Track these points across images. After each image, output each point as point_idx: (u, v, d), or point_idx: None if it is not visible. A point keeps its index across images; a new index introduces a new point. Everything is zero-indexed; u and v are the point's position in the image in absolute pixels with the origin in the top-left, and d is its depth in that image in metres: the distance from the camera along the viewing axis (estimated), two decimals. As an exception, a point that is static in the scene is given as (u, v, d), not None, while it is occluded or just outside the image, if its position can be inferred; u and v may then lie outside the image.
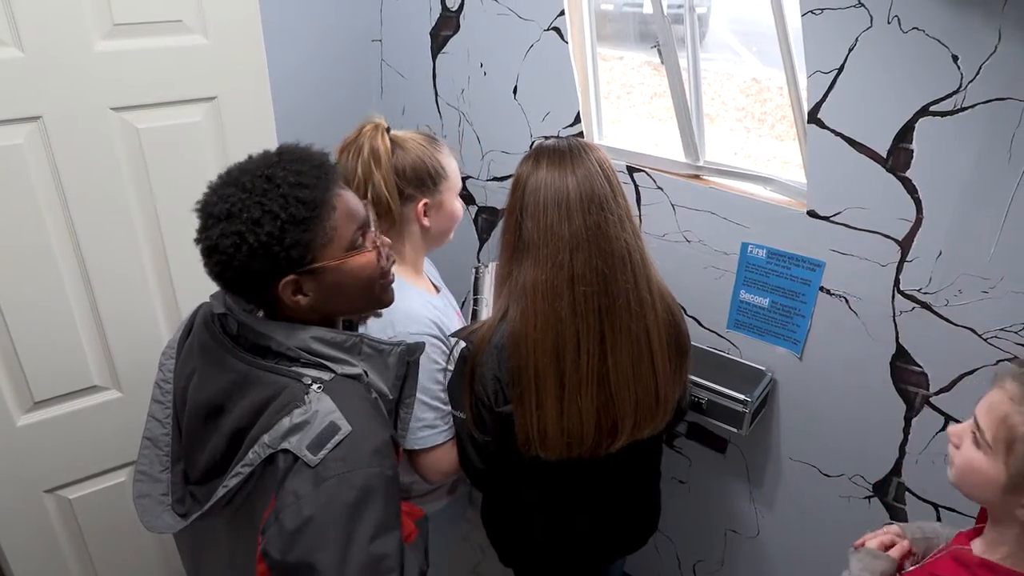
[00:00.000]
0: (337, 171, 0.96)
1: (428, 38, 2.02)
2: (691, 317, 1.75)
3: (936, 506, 1.53)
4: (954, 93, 1.24)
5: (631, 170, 1.74)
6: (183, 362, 1.04)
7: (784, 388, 1.66)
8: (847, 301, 1.50)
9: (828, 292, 1.52)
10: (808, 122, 1.41)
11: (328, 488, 0.85)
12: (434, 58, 2.03)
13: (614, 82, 3.22)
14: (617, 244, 1.16)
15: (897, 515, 1.59)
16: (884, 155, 1.35)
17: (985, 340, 1.34)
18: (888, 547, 1.09)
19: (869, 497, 1.62)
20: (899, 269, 1.41)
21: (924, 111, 1.28)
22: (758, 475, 1.79)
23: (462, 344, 1.24)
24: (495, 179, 2.05)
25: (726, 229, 1.63)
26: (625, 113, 3.09)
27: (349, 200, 0.95)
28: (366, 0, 2.09)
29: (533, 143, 1.82)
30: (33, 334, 1.31)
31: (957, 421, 1.43)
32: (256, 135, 1.43)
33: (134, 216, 1.35)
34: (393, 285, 1.04)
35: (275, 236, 0.87)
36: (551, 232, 1.14)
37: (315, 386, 0.92)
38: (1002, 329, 1.32)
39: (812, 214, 1.48)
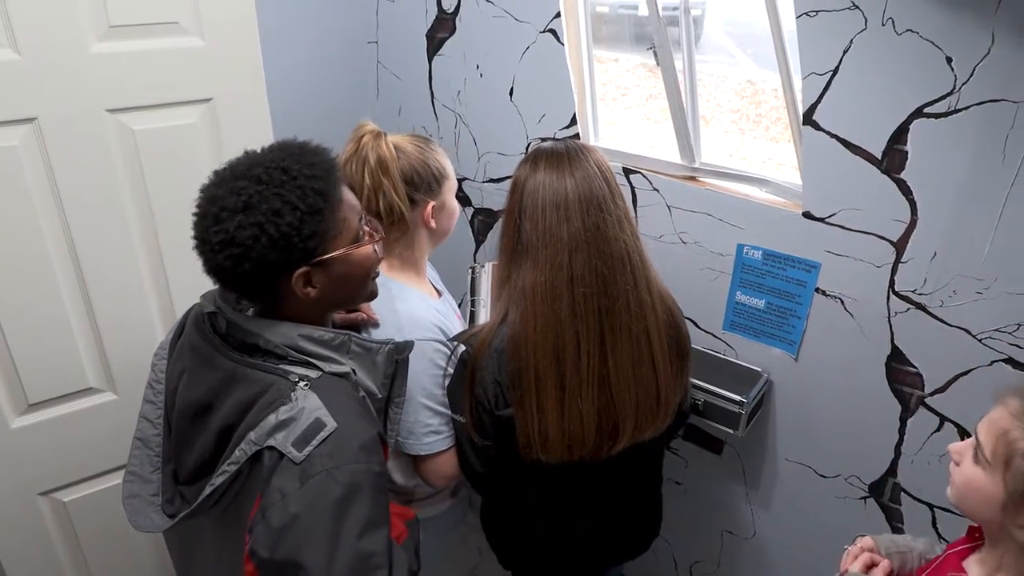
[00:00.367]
0: (339, 164, 0.98)
1: (424, 40, 2.02)
2: (687, 318, 1.73)
3: (931, 507, 1.53)
4: (948, 95, 1.24)
5: (627, 172, 1.74)
6: (174, 362, 1.04)
7: (780, 389, 1.67)
8: (842, 302, 1.50)
9: (823, 293, 1.52)
10: (803, 124, 1.41)
11: (314, 485, 0.85)
12: (430, 60, 2.03)
13: (610, 84, 3.23)
14: (616, 245, 1.16)
15: (893, 516, 1.59)
16: (879, 156, 1.35)
17: (980, 341, 1.35)
18: (870, 567, 1.08)
19: (865, 498, 1.62)
20: (894, 270, 1.41)
21: (918, 113, 1.29)
22: (754, 476, 1.80)
23: (462, 348, 1.23)
24: (491, 181, 2.05)
25: (722, 230, 1.63)
26: (621, 115, 3.09)
27: (350, 193, 0.98)
28: (362, 2, 2.09)
29: (529, 145, 1.82)
30: (28, 336, 1.31)
31: (952, 422, 1.44)
32: (252, 137, 1.42)
33: (130, 218, 1.35)
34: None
35: (295, 226, 0.88)
36: (550, 234, 1.14)
37: (302, 383, 0.92)
38: (996, 330, 1.33)
39: (807, 215, 1.49)
